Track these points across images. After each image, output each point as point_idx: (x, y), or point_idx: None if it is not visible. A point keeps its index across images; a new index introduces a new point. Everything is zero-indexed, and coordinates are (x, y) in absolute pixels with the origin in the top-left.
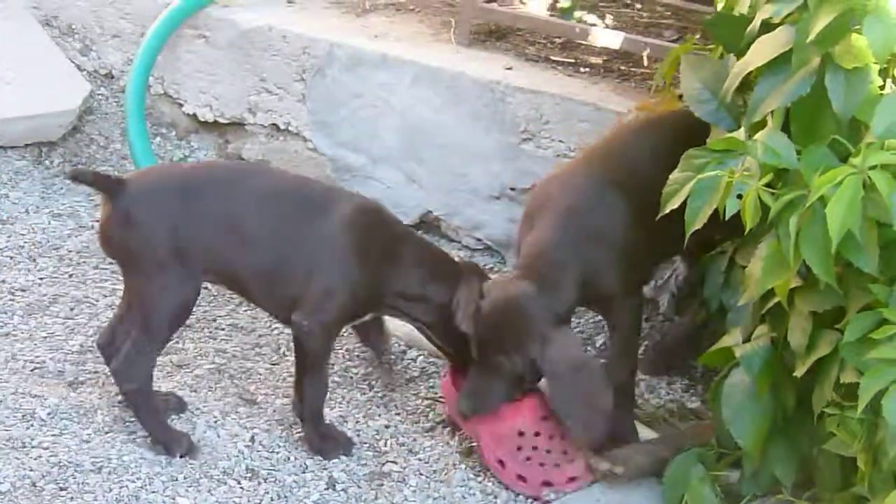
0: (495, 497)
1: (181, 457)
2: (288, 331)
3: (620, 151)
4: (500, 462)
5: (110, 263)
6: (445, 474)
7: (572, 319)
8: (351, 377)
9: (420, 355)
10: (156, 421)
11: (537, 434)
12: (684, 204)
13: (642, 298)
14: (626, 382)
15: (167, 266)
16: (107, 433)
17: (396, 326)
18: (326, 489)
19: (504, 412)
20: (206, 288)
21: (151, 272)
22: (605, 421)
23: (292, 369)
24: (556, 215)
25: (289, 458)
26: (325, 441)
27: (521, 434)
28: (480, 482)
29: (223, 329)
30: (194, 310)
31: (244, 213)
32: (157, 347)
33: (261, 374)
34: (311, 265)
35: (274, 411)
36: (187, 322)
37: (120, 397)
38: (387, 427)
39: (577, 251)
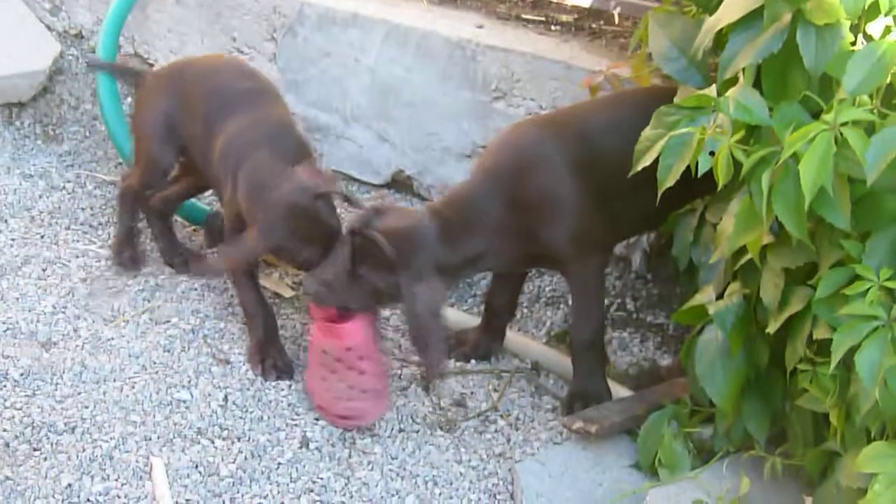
0: (468, 451)
1: None
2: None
3: (580, 119)
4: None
5: (82, 224)
6: (417, 432)
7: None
8: None
9: (393, 314)
10: None
11: (339, 360)
12: (652, 182)
13: (603, 260)
14: (590, 342)
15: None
16: (79, 394)
17: None
18: (300, 448)
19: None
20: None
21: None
22: (441, 361)
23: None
24: (485, 171)
25: (262, 418)
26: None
27: (324, 352)
28: (453, 438)
29: (196, 289)
30: (168, 270)
31: None
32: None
33: (234, 335)
34: None
35: (247, 371)
36: (159, 282)
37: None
38: None
39: (494, 211)
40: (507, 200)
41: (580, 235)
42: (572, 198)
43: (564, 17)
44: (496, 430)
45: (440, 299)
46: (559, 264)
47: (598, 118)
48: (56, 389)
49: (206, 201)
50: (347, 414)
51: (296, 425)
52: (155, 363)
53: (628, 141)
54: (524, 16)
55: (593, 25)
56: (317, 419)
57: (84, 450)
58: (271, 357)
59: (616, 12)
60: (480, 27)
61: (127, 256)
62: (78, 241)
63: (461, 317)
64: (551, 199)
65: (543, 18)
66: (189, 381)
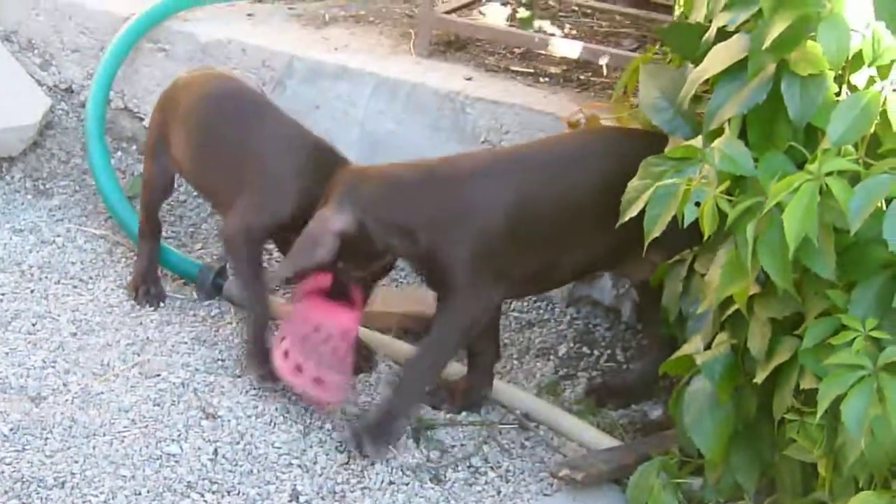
0: (458, 503)
1: None
2: None
3: (532, 153)
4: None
5: (72, 279)
6: (407, 485)
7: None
8: None
9: (386, 368)
10: None
11: (327, 340)
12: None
13: (489, 302)
14: (420, 375)
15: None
16: (69, 448)
17: None
18: (290, 502)
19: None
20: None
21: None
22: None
23: (252, 381)
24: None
25: (252, 472)
26: None
27: (316, 329)
28: (443, 491)
29: (185, 343)
30: (156, 321)
31: None
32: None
33: (223, 388)
34: None
35: (237, 425)
36: (149, 336)
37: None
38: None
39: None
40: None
41: (483, 262)
42: (494, 229)
43: (553, 69)
44: (486, 482)
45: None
46: (444, 282)
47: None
48: (45, 444)
49: (197, 254)
50: (323, 378)
51: (286, 479)
52: (144, 417)
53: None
54: (513, 68)
55: (581, 77)
56: (305, 472)
57: None
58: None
59: (604, 64)
60: (469, 79)
61: (144, 291)
62: (68, 295)
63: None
64: (472, 224)
65: (532, 70)
66: (179, 435)
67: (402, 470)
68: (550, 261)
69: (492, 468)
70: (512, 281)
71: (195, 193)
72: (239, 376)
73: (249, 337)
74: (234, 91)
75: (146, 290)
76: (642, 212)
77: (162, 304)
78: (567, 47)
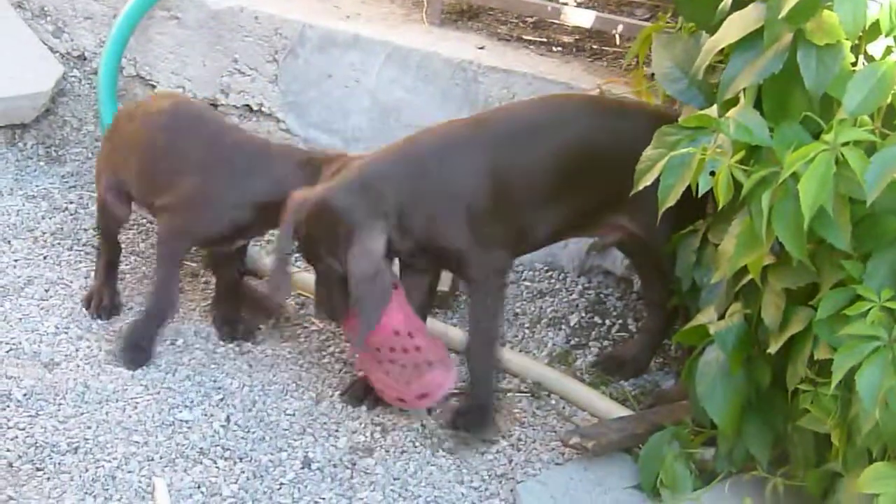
0: (469, 471)
1: None
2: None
3: (505, 117)
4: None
5: (84, 245)
6: (419, 453)
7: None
8: (327, 358)
9: None
10: None
11: (392, 349)
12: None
13: (504, 265)
14: (486, 357)
15: None
16: (82, 414)
17: None
18: (302, 468)
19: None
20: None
21: None
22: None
23: (265, 350)
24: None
25: (264, 438)
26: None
27: (376, 350)
28: (455, 459)
29: (197, 310)
30: None
31: None
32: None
33: (236, 355)
34: None
35: (250, 392)
36: None
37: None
38: (364, 407)
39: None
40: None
41: (480, 229)
42: (479, 194)
43: (566, 39)
44: (498, 451)
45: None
46: (454, 257)
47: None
48: (59, 410)
49: None
50: (425, 391)
51: (298, 446)
52: (157, 384)
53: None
54: (525, 37)
55: (594, 46)
56: (317, 439)
57: (87, 470)
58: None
59: (617, 33)
60: (482, 48)
61: (97, 304)
62: (81, 261)
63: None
64: (456, 192)
65: (545, 40)
66: (191, 402)
67: (414, 438)
68: (525, 226)
69: (503, 437)
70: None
71: None
72: (252, 343)
73: (138, 330)
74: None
75: (99, 302)
76: (605, 174)
77: (115, 316)
78: (580, 16)
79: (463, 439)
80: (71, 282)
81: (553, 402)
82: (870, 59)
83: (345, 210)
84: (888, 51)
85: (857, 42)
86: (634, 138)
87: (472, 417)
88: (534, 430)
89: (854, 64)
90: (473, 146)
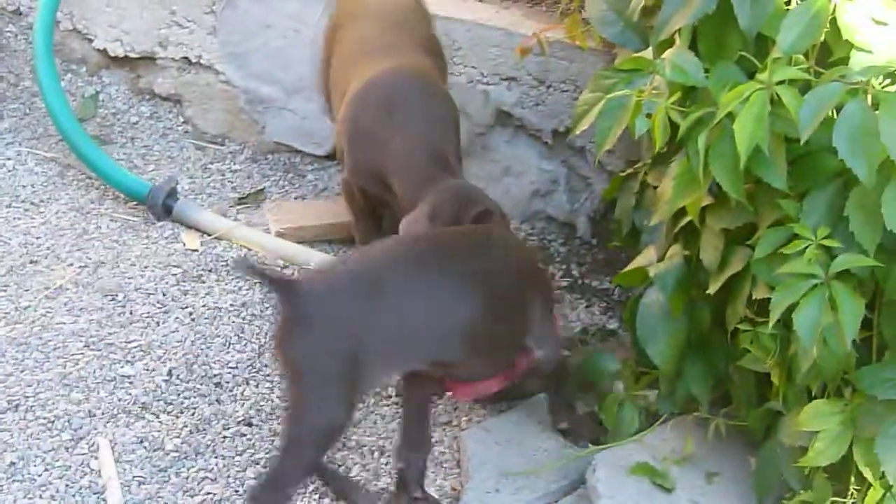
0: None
1: None
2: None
3: None
4: None
5: (23, 202)
6: (363, 402)
7: None
8: (269, 310)
9: None
10: None
11: None
12: None
13: None
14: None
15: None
16: (22, 371)
17: None
18: (244, 421)
19: None
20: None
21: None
22: None
23: (206, 303)
24: None
25: (206, 392)
26: None
27: None
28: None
29: (136, 265)
30: (108, 244)
31: None
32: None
33: (176, 309)
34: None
35: (192, 345)
36: (101, 258)
37: None
38: None
39: None
40: None
41: None
42: None
43: None
44: (442, 399)
45: None
46: None
47: None
48: None
49: (148, 176)
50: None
51: (240, 398)
52: (97, 339)
53: None
54: None
55: None
56: (260, 391)
57: (27, 428)
58: None
59: None
60: None
61: None
62: (19, 218)
63: None
64: None
65: None
66: (132, 357)
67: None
68: None
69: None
70: None
71: (147, 114)
72: (193, 296)
73: None
74: None
75: None
76: None
77: None
78: None
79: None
80: (10, 239)
81: None
82: None
83: None
84: None
85: None
86: None
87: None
88: None
89: (787, 3)
90: None
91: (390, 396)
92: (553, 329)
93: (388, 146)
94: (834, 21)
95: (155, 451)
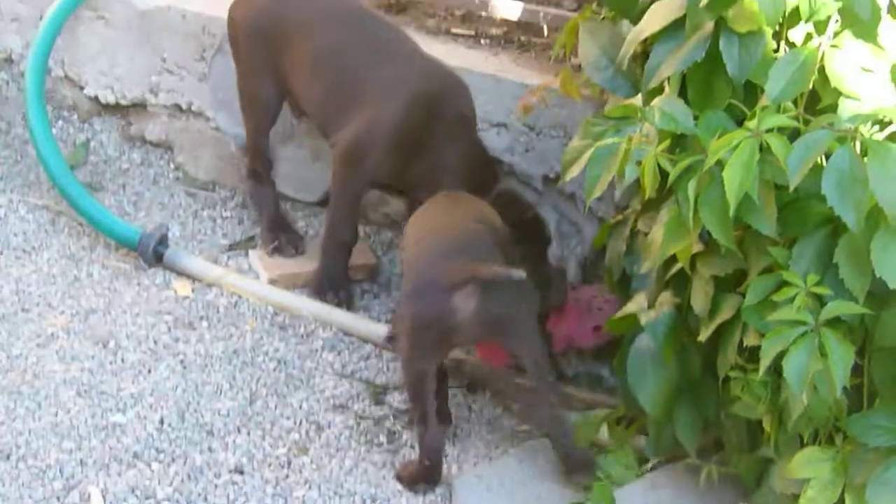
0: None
1: None
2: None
3: None
4: None
5: (14, 249)
6: (354, 450)
7: None
8: (261, 357)
9: (330, 334)
10: None
11: None
12: None
13: None
14: None
15: None
16: (14, 420)
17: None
18: (237, 468)
19: None
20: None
21: None
22: None
23: (198, 350)
24: None
25: (198, 440)
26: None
27: None
28: (390, 454)
29: (128, 312)
30: (100, 291)
31: None
32: None
33: (168, 356)
34: None
35: (183, 392)
36: (93, 305)
37: None
38: (300, 406)
39: None
40: None
41: None
42: None
43: (494, 31)
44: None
45: None
46: None
47: None
48: None
49: (139, 223)
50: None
51: (232, 446)
52: (89, 387)
53: None
54: (454, 30)
55: (522, 38)
56: (252, 439)
57: (19, 477)
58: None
59: (544, 24)
60: None
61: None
62: (11, 266)
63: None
64: None
65: (473, 32)
66: (124, 405)
67: (349, 435)
68: None
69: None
70: None
71: (138, 161)
72: (184, 343)
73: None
74: None
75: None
76: None
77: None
78: (507, 8)
79: None
80: (1, 287)
81: (487, 396)
82: (791, 45)
83: None
84: (808, 37)
85: (777, 29)
86: None
87: None
88: (468, 424)
89: (776, 50)
90: None
91: (381, 444)
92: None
93: None
94: (822, 69)
95: (147, 499)
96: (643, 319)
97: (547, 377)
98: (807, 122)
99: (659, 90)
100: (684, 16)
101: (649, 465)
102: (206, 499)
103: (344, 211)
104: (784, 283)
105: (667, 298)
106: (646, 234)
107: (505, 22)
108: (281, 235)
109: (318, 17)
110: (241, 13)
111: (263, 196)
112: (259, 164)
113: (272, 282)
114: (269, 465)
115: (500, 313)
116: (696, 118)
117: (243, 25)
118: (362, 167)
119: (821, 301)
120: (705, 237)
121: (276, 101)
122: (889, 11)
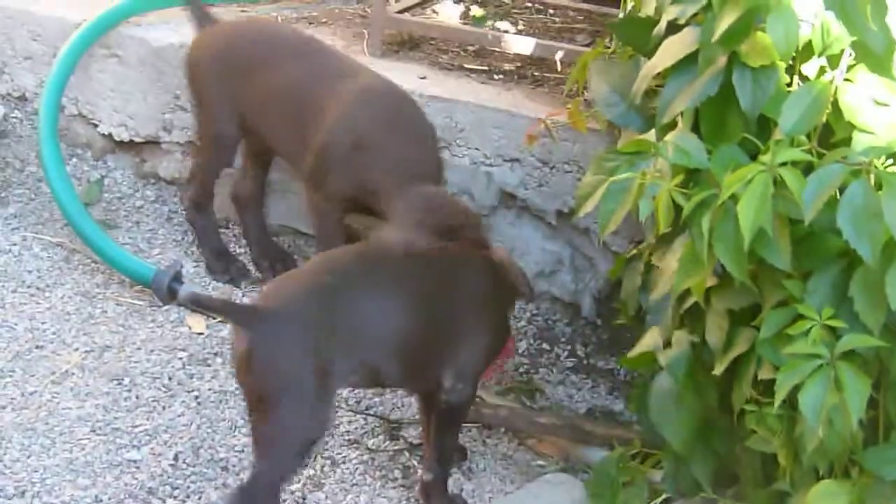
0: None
1: None
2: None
3: None
4: None
5: (28, 287)
6: (369, 485)
7: None
8: None
9: None
10: None
11: None
12: None
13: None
14: None
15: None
16: (29, 457)
17: None
18: None
19: None
20: None
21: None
22: None
23: (212, 386)
24: None
25: (213, 476)
26: None
27: None
28: (406, 490)
29: (143, 349)
30: (114, 328)
31: None
32: None
33: (182, 393)
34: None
35: (198, 429)
36: (107, 342)
37: None
38: None
39: None
40: None
41: None
42: None
43: (507, 66)
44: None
45: None
46: None
47: None
48: (5, 453)
49: (154, 260)
50: None
51: None
52: (104, 424)
53: None
54: (467, 65)
55: (535, 73)
56: None
57: None
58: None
59: (558, 59)
60: (423, 78)
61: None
62: (25, 303)
63: None
64: None
65: (486, 68)
66: (139, 441)
67: (364, 471)
68: None
69: (455, 466)
70: None
71: (152, 198)
72: (198, 379)
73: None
74: None
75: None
76: None
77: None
78: (520, 44)
79: None
80: (16, 324)
81: (502, 430)
82: (804, 79)
83: None
84: (822, 70)
85: (791, 63)
86: None
87: None
88: (484, 458)
89: (789, 84)
90: None
91: (396, 479)
92: (476, 370)
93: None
94: (835, 102)
95: None
96: (662, 360)
97: None
98: (820, 156)
99: (672, 125)
100: (697, 50)
101: (661, 498)
102: None
103: (327, 234)
104: (799, 317)
105: (683, 336)
106: (660, 268)
107: (518, 57)
108: (230, 266)
109: (274, 54)
110: (199, 54)
111: (206, 226)
112: (204, 198)
113: None
114: (285, 501)
115: None
116: (709, 153)
117: (203, 66)
118: (327, 187)
119: (836, 334)
120: (719, 271)
121: (235, 140)
122: None
